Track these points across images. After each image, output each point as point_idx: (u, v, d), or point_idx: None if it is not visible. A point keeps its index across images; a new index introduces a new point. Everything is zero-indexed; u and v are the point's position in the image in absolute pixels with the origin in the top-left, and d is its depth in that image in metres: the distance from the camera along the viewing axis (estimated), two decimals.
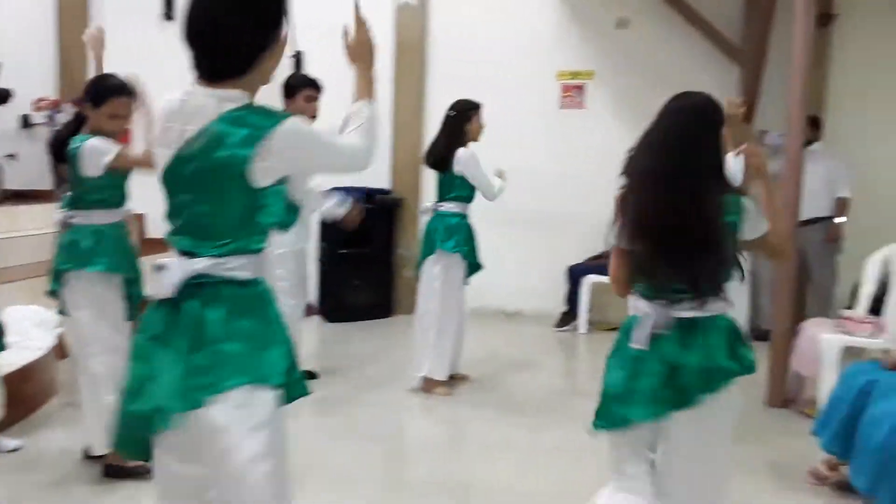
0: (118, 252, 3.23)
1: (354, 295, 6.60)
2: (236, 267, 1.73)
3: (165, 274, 1.69)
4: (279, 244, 4.21)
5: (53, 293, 3.29)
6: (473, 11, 6.89)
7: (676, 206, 2.03)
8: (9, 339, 3.70)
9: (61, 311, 3.35)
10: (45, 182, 6.98)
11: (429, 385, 4.57)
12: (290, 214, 3.60)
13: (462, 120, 4.51)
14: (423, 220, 4.72)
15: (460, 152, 4.44)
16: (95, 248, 3.17)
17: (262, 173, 1.70)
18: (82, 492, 3.15)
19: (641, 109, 7.26)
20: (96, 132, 3.13)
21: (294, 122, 1.73)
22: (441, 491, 3.31)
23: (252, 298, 1.76)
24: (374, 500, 3.18)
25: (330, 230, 5.96)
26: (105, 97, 3.13)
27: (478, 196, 4.61)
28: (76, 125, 3.28)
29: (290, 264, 4.31)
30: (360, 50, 2.03)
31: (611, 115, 6.68)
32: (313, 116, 4.37)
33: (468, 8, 6.90)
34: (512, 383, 4.87)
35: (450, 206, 4.55)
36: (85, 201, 3.20)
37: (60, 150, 3.24)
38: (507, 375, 5.05)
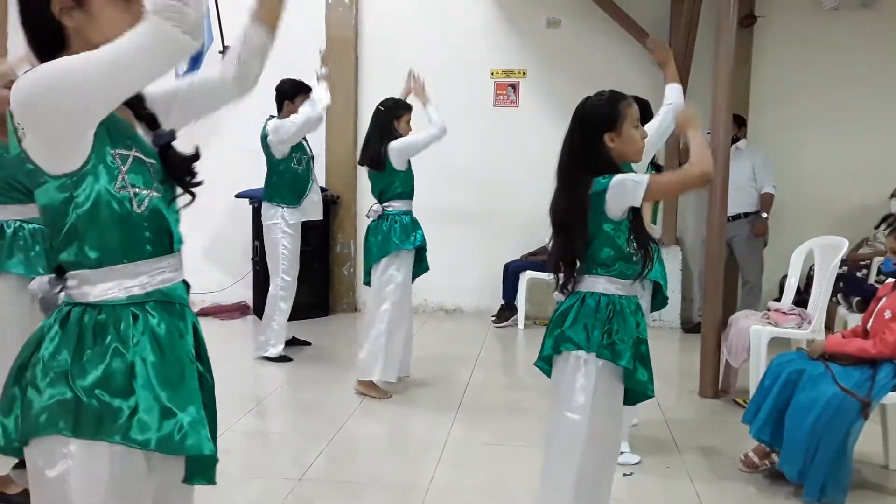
0: None
1: None
2: (70, 285, 1.45)
3: None
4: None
5: None
6: (405, 9, 6.86)
7: (555, 198, 2.36)
8: None
9: None
10: None
11: (367, 387, 4.52)
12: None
13: (391, 116, 4.45)
14: (370, 222, 4.56)
15: (392, 144, 4.39)
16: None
17: (38, 150, 1.38)
18: None
19: (573, 108, 7.36)
20: None
21: (21, 78, 1.34)
22: (379, 489, 3.29)
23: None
24: (314, 501, 3.14)
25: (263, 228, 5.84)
26: None
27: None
28: None
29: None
30: None
31: (544, 113, 6.74)
32: None
33: (399, 6, 6.88)
34: (451, 380, 4.86)
35: (397, 205, 4.48)
36: None
37: None
38: (446, 372, 5.04)
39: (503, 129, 6.84)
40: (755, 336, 4.21)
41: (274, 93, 5.09)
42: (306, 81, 5.07)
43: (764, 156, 6.15)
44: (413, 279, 4.62)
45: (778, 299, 4.91)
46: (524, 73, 6.84)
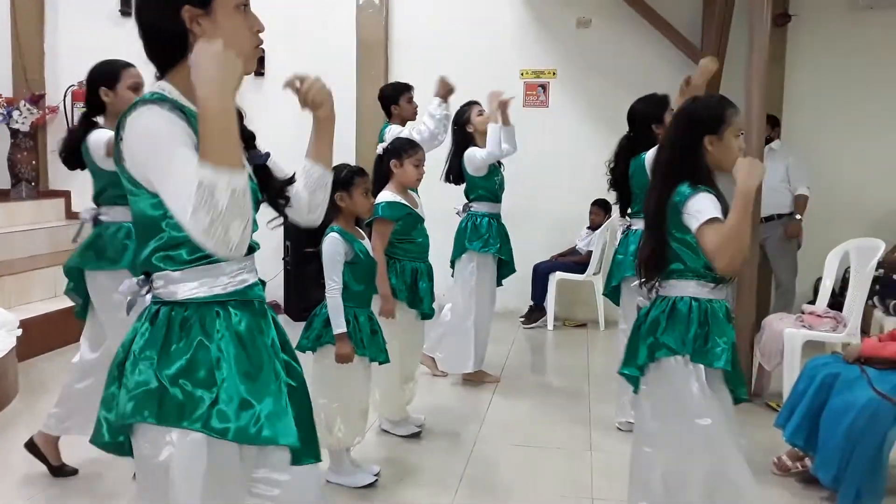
0: None
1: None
2: (157, 286, 1.54)
3: None
4: None
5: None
6: (435, 11, 6.87)
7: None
8: None
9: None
10: (1, 180, 6.85)
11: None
12: None
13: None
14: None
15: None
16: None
17: (137, 175, 1.48)
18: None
19: (604, 108, 7.32)
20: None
21: (140, 112, 1.45)
22: (411, 487, 3.30)
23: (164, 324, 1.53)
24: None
25: (293, 228, 5.89)
26: (118, 72, 3.05)
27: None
28: (85, 126, 3.07)
29: None
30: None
31: (574, 113, 6.72)
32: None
33: (430, 7, 6.89)
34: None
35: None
36: (105, 197, 3.08)
37: (72, 156, 3.09)
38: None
39: (533, 129, 6.81)
40: (789, 339, 4.16)
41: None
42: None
43: (798, 156, 6.07)
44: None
45: (812, 302, 4.85)
46: (554, 73, 6.82)
